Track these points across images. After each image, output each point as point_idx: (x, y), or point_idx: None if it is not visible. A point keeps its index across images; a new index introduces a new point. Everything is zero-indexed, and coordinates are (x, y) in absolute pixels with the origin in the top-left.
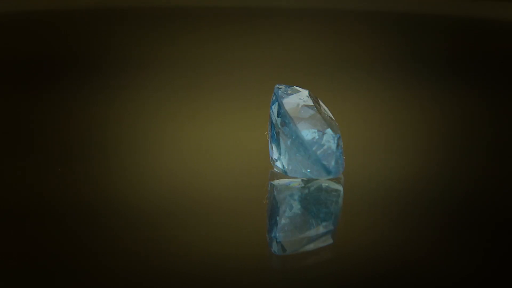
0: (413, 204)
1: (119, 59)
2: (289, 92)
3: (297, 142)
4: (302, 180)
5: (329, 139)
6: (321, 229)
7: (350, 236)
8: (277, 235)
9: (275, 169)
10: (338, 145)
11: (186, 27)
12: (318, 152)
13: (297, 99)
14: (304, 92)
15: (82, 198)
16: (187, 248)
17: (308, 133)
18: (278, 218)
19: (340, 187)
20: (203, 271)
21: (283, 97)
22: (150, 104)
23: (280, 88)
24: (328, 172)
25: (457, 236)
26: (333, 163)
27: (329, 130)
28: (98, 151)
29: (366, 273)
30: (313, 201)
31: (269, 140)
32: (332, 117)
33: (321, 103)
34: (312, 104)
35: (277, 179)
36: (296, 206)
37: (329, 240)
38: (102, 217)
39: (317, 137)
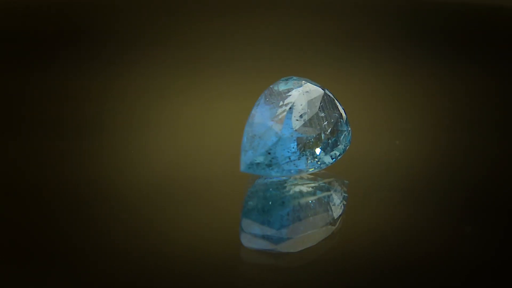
0: (417, 194)
1: (122, 39)
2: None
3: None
4: (294, 177)
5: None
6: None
7: (351, 225)
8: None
9: None
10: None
11: (190, 15)
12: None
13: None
14: (304, 96)
15: (66, 177)
16: (172, 238)
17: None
18: (243, 211)
19: (325, 193)
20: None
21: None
22: (152, 85)
23: (282, 84)
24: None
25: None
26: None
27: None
28: (91, 127)
29: (367, 272)
30: (279, 200)
31: None
32: (335, 125)
33: (329, 109)
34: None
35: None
36: (264, 203)
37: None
38: (81, 197)
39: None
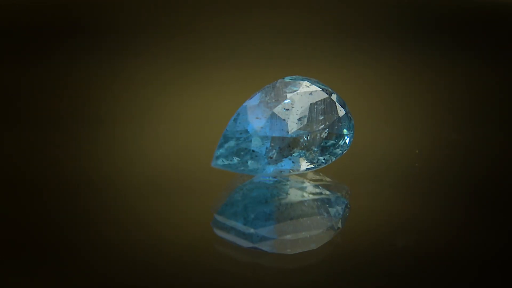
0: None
1: (120, 35)
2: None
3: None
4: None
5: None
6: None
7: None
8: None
9: None
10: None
11: (189, 13)
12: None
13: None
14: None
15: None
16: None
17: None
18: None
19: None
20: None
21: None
22: (153, 80)
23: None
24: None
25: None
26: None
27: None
28: (89, 122)
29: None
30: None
31: None
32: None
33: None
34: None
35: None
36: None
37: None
38: (75, 190)
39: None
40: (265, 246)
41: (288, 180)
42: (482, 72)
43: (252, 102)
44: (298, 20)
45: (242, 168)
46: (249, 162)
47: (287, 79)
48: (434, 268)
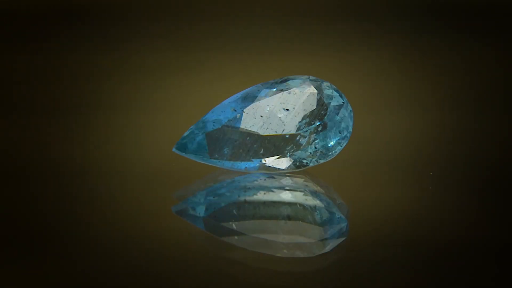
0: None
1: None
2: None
3: None
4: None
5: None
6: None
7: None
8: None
9: None
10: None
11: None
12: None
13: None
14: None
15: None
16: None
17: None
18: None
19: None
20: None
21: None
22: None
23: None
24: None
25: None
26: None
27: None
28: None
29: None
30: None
31: None
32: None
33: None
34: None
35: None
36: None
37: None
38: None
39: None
40: (231, 240)
41: (270, 179)
42: (483, 57)
43: (240, 94)
44: (297, 14)
45: (213, 159)
46: (211, 153)
47: (295, 77)
48: (435, 267)
